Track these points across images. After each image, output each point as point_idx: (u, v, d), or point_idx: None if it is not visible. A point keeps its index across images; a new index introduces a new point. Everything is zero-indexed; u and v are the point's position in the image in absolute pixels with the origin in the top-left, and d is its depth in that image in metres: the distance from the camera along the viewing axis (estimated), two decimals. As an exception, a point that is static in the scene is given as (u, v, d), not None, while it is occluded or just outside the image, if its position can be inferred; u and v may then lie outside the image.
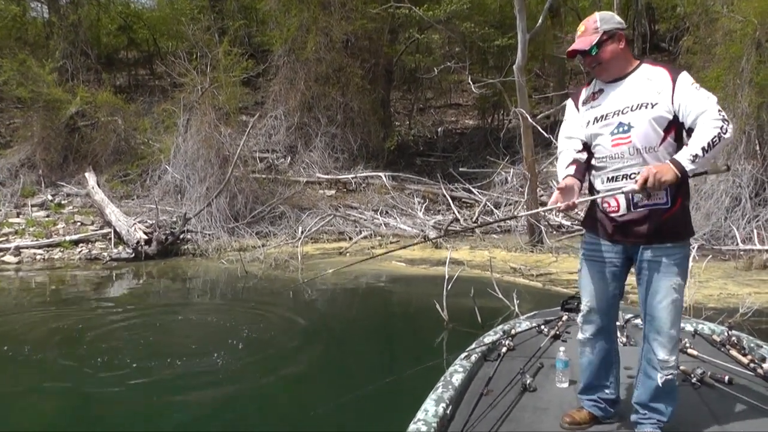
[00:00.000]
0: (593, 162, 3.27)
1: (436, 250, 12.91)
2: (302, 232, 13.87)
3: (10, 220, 14.78)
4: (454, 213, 15.41)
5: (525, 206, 13.42)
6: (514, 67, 12.51)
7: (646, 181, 2.88)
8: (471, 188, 16.48)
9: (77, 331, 8.22)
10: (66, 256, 13.13)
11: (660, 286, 3.10)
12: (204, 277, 11.89)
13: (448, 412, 3.39)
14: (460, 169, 17.52)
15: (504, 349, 4.43)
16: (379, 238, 14.18)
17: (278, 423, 5.30)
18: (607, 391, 3.40)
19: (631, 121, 3.07)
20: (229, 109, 15.70)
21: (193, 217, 14.05)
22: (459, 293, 8.15)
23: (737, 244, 11.27)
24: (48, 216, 15.18)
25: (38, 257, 13.08)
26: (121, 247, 13.28)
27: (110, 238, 13.72)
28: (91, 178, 16.10)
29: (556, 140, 10.99)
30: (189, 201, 14.77)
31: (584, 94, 3.36)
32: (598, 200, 3.24)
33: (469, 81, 15.49)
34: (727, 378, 3.78)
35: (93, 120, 17.55)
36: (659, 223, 3.07)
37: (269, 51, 19.16)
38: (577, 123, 3.34)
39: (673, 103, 3.00)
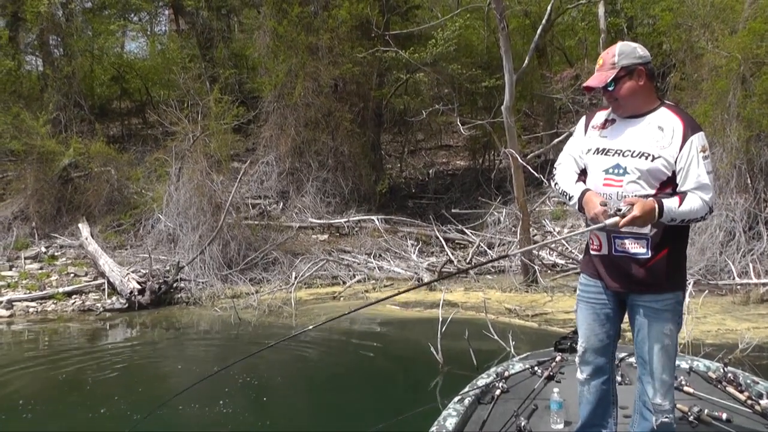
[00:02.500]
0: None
1: (430, 293, 12.86)
2: (296, 278, 13.81)
3: (3, 273, 14.68)
4: (447, 254, 15.38)
5: (518, 245, 13.41)
6: (502, 107, 12.61)
7: (631, 223, 2.84)
8: (464, 229, 16.48)
9: (71, 384, 8.21)
10: (59, 308, 13.03)
11: (651, 332, 3.06)
12: (198, 325, 11.83)
13: None
14: (453, 210, 17.55)
15: (498, 392, 4.40)
16: (373, 281, 14.12)
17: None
18: (603, 430, 3.40)
19: (628, 166, 2.97)
20: (221, 157, 15.75)
21: (186, 265, 14.01)
22: (454, 335, 8.13)
23: (734, 279, 11.25)
24: (41, 268, 15.11)
25: (31, 310, 12.98)
26: (114, 298, 13.20)
27: (104, 289, 13.63)
28: (84, 229, 16.07)
29: (547, 180, 11.08)
30: (182, 249, 14.72)
31: (597, 118, 3.24)
32: (588, 238, 3.24)
33: (458, 122, 15.59)
34: (724, 416, 3.76)
35: (86, 171, 17.59)
36: (638, 273, 3.03)
37: (259, 97, 19.29)
38: (579, 145, 3.26)
39: (676, 163, 2.91)
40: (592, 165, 3.13)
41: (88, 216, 16.89)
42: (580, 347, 3.37)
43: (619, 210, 2.89)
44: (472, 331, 8.23)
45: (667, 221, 2.87)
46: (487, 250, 15.34)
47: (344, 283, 14.05)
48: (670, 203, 2.87)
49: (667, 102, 3.13)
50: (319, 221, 17.29)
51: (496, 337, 8.05)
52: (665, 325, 3.05)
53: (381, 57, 17.52)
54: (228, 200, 14.81)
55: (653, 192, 2.94)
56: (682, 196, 2.92)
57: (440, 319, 8.09)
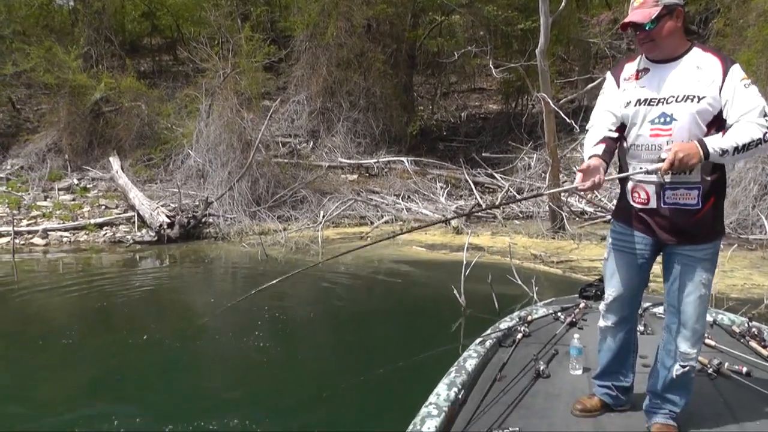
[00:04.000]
0: (625, 145, 3.09)
1: (456, 236, 12.88)
2: (323, 217, 13.90)
3: (38, 203, 15.02)
4: (476, 198, 15.36)
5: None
6: (536, 51, 12.36)
7: (671, 164, 2.72)
8: (493, 173, 16.39)
9: (104, 311, 8.48)
10: (91, 239, 13.30)
11: (689, 280, 3.00)
12: (225, 260, 11.98)
13: (460, 396, 3.39)
14: (483, 154, 17.39)
15: (519, 336, 4.41)
16: (401, 222, 14.17)
17: (293, 399, 5.38)
18: (621, 377, 3.36)
19: (674, 112, 2.86)
20: (251, 94, 15.74)
21: (215, 201, 14.15)
22: (478, 279, 8.12)
23: (765, 233, 11.08)
24: (74, 199, 15.41)
25: (65, 239, 13.28)
26: (144, 231, 13.44)
27: (134, 222, 13.87)
28: (115, 162, 16.28)
29: (578, 126, 10.85)
30: (211, 185, 14.86)
31: (627, 70, 3.11)
32: (628, 190, 3.10)
33: (491, 65, 15.34)
34: (744, 370, 3.74)
35: (117, 105, 17.77)
36: (688, 224, 2.95)
37: (291, 36, 19.15)
38: (615, 100, 3.10)
39: (720, 97, 2.80)
40: (636, 117, 2.99)
41: (118, 150, 17.11)
42: (608, 295, 3.28)
43: (662, 159, 2.80)
44: (496, 275, 8.23)
45: (719, 156, 2.73)
46: (516, 195, 15.25)
47: (372, 223, 14.12)
48: (712, 138, 2.77)
49: (696, 42, 3.02)
50: (348, 161, 17.29)
51: (519, 282, 8.05)
52: (703, 274, 2.99)
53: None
54: (258, 138, 14.84)
55: (703, 135, 2.83)
56: (712, 130, 2.83)
57: (464, 262, 8.09)
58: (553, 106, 12.18)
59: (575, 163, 16.03)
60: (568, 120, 12.00)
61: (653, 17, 2.84)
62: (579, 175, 2.95)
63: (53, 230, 13.55)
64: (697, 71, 2.85)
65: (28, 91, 19.84)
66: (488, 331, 4.44)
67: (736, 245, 10.30)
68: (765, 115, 2.74)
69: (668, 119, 2.88)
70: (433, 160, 17.67)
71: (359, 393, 5.17)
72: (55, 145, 17.21)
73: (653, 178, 2.93)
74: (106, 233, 13.56)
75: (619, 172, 3.15)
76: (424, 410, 3.16)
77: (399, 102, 19.13)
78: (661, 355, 3.20)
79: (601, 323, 3.36)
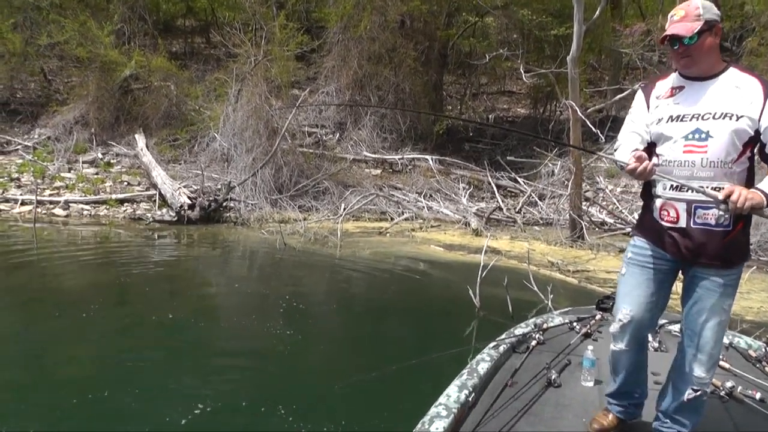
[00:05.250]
0: (655, 161, 2.97)
1: (475, 237, 12.85)
2: (344, 209, 13.93)
3: (62, 175, 15.17)
4: (497, 201, 15.32)
5: (568, 200, 13.26)
6: (567, 58, 12.30)
7: (730, 195, 2.61)
8: (517, 177, 16.35)
9: (119, 286, 8.56)
10: (111, 214, 13.44)
11: (710, 305, 2.91)
12: (243, 245, 12.05)
13: (470, 399, 3.39)
14: (508, 157, 17.36)
15: (533, 343, 4.42)
16: (421, 220, 14.18)
17: (304, 392, 5.37)
18: (636, 395, 3.32)
19: (710, 129, 2.78)
20: (281, 82, 15.79)
21: (238, 186, 14.22)
22: (494, 282, 8.12)
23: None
24: (97, 173, 15.55)
25: (85, 212, 13.43)
26: (164, 210, 13.54)
27: (155, 200, 13.98)
28: (140, 139, 16.40)
29: (604, 136, 10.79)
30: (235, 170, 14.93)
31: (660, 87, 3.03)
32: (656, 207, 2.99)
33: (521, 69, 15.28)
34: (758, 395, 3.69)
35: (146, 84, 17.94)
36: (716, 247, 2.85)
37: (325, 27, 19.18)
38: (643, 120, 3.02)
39: (760, 120, 2.72)
40: (667, 134, 2.90)
41: (144, 128, 17.24)
42: (623, 315, 3.10)
43: (722, 209, 2.70)
44: (512, 280, 8.18)
45: None
46: (538, 201, 15.21)
47: (392, 219, 14.13)
48: (764, 181, 2.67)
49: (733, 62, 2.97)
50: (373, 155, 17.30)
51: (535, 289, 8.01)
52: (725, 300, 2.91)
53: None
54: (285, 126, 14.88)
55: (736, 155, 2.76)
56: (746, 152, 2.78)
57: (482, 264, 8.07)
58: (581, 114, 12.10)
59: (599, 172, 15.95)
60: (594, 129, 11.95)
61: (695, 32, 2.79)
62: (632, 158, 2.85)
63: (75, 202, 13.71)
64: (736, 90, 2.78)
65: (60, 63, 20.03)
66: (503, 336, 4.43)
67: (755, 267, 10.18)
68: None
69: (704, 136, 2.80)
70: (457, 160, 17.63)
71: (370, 389, 5.16)
72: (83, 118, 17.38)
73: (684, 195, 2.86)
74: (126, 209, 13.68)
75: (646, 191, 3.09)
76: (433, 410, 3.17)
77: (428, 100, 19.14)
78: (673, 376, 3.14)
79: (614, 346, 3.22)
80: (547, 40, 19.05)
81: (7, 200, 13.55)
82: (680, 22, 2.84)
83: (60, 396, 5.04)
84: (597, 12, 12.43)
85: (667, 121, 2.91)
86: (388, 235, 13.07)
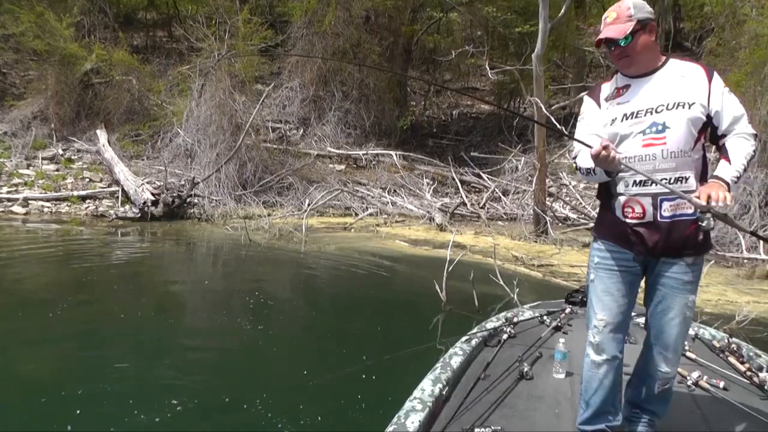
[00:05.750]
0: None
1: (440, 233, 12.93)
2: (309, 205, 13.90)
3: (21, 171, 14.88)
4: (461, 197, 15.42)
5: (532, 195, 13.39)
6: (532, 55, 12.41)
7: (709, 198, 2.58)
8: (481, 173, 16.46)
9: (82, 284, 8.42)
10: (73, 211, 13.24)
11: (674, 303, 2.93)
12: (208, 242, 11.95)
13: (444, 392, 3.42)
14: (472, 153, 17.47)
15: (505, 336, 4.46)
16: (385, 216, 14.21)
17: (276, 389, 5.30)
18: (611, 417, 3.14)
19: (666, 120, 2.80)
20: (245, 77, 15.68)
21: (202, 181, 14.10)
22: (459, 277, 8.15)
23: (742, 252, 11.22)
24: (58, 170, 15.28)
25: (46, 210, 13.20)
26: (127, 206, 13.37)
27: (118, 197, 13.82)
28: (102, 135, 16.17)
29: (568, 132, 10.92)
30: (198, 165, 14.83)
31: (606, 89, 3.04)
32: (618, 206, 2.96)
33: (487, 66, 15.39)
34: (722, 384, 3.80)
35: (107, 78, 17.63)
36: (683, 237, 2.85)
37: (289, 22, 19.09)
38: (598, 120, 3.00)
39: (709, 105, 2.78)
40: (624, 132, 2.90)
41: (106, 123, 16.99)
42: (599, 323, 3.03)
43: (704, 214, 2.64)
44: (477, 274, 8.22)
45: (735, 183, 2.73)
46: (502, 197, 15.34)
47: (356, 214, 14.15)
48: (724, 170, 2.74)
49: (672, 54, 3.10)
50: (337, 151, 17.30)
51: (501, 283, 8.06)
52: (690, 296, 2.93)
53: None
54: (248, 121, 14.79)
55: (693, 143, 2.79)
56: (725, 153, 2.81)
57: (448, 259, 8.12)
58: (545, 111, 12.23)
59: (562, 168, 16.13)
60: (558, 126, 12.07)
61: (627, 33, 2.82)
62: (598, 145, 2.75)
63: (34, 199, 13.47)
64: (682, 79, 2.84)
65: (15, 56, 19.53)
66: (474, 330, 4.48)
67: (713, 261, 10.41)
68: (749, 122, 2.81)
69: (661, 128, 2.82)
70: (421, 156, 17.70)
71: (342, 385, 5.13)
72: (42, 113, 17.07)
73: (649, 189, 2.84)
74: (88, 206, 13.50)
75: (606, 191, 3.05)
76: (408, 404, 3.18)
77: (392, 95, 19.17)
78: (641, 372, 3.15)
79: (595, 357, 3.08)
80: (511, 38, 19.19)
81: (-39, 198, 13.25)
82: (613, 25, 2.87)
83: (24, 397, 4.94)
84: (562, 10, 12.55)
85: (622, 120, 2.92)
86: (352, 230, 13.08)
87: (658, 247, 2.90)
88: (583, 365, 3.16)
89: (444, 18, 20.35)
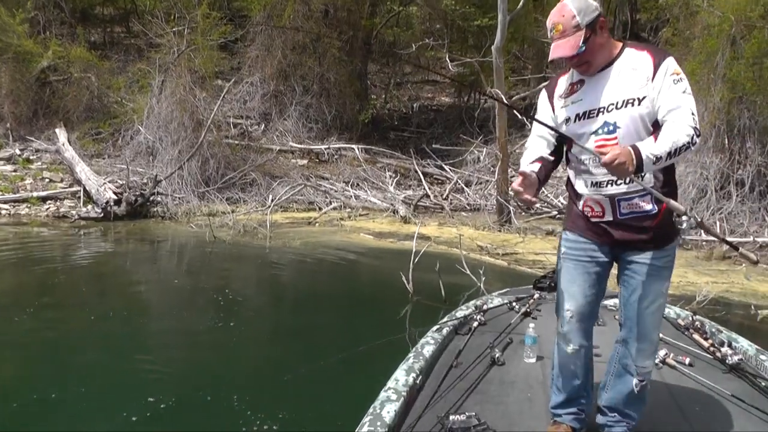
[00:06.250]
0: (573, 164, 2.95)
1: (404, 225, 13.03)
2: (272, 200, 13.90)
3: (-24, 173, 14.60)
4: (424, 189, 15.53)
5: (496, 186, 13.55)
6: (492, 47, 12.56)
7: (610, 164, 2.50)
8: (443, 165, 16.59)
9: (47, 286, 8.35)
10: (33, 213, 13.03)
11: (648, 291, 2.85)
12: (172, 240, 11.89)
13: (418, 381, 3.47)
14: (434, 145, 17.61)
15: (475, 324, 4.52)
16: (349, 209, 14.27)
17: (248, 385, 5.34)
18: (583, 400, 3.15)
19: (617, 120, 2.70)
20: (205, 73, 15.57)
21: (164, 179, 14.00)
22: (425, 268, 8.24)
23: (700, 235, 11.47)
24: (15, 171, 14.99)
25: (4, 212, 12.96)
26: (90, 206, 13.18)
27: (79, 197, 13.63)
28: (61, 134, 15.92)
29: (529, 122, 11.11)
30: (160, 163, 14.69)
31: (561, 85, 2.94)
32: (580, 204, 2.96)
33: (447, 59, 15.51)
34: (687, 360, 3.95)
35: (65, 75, 17.32)
36: (647, 231, 2.80)
37: (248, 16, 18.99)
38: (546, 120, 2.94)
39: (654, 92, 2.64)
40: (578, 131, 2.82)
41: (65, 122, 16.73)
42: (567, 313, 3.00)
43: (679, 218, 2.62)
44: (443, 265, 8.32)
45: (653, 163, 2.55)
46: (465, 188, 15.49)
47: (320, 209, 14.17)
48: (646, 144, 2.58)
49: (628, 42, 2.86)
50: (299, 146, 17.28)
51: (468, 273, 8.18)
52: (664, 283, 2.88)
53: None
54: (210, 117, 14.72)
55: (650, 137, 2.67)
56: (657, 133, 2.65)
57: (413, 251, 8.22)
58: (506, 102, 12.38)
59: (523, 158, 16.29)
60: (519, 116, 12.24)
61: (580, 45, 2.66)
62: (518, 179, 2.83)
63: (-9, 201, 13.22)
64: (633, 73, 2.70)
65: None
66: (445, 319, 4.54)
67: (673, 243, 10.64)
68: (693, 114, 2.60)
69: (612, 128, 2.72)
70: (383, 149, 17.75)
71: (313, 379, 5.17)
72: (-4, 112, 16.75)
73: (605, 191, 2.82)
74: (49, 207, 13.29)
75: (570, 187, 3.05)
76: (383, 395, 3.22)
77: (352, 89, 19.19)
78: (616, 368, 3.07)
79: (565, 347, 3.05)
80: (470, 30, 19.33)
81: None
82: (561, 39, 2.69)
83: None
84: (520, 3, 12.71)
85: (575, 121, 2.84)
86: (317, 225, 13.12)
87: (622, 240, 2.87)
88: (553, 352, 3.19)
89: (403, 11, 20.41)
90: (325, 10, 18.14)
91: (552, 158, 3.02)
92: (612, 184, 2.77)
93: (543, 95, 3.05)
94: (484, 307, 4.91)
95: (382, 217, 13.78)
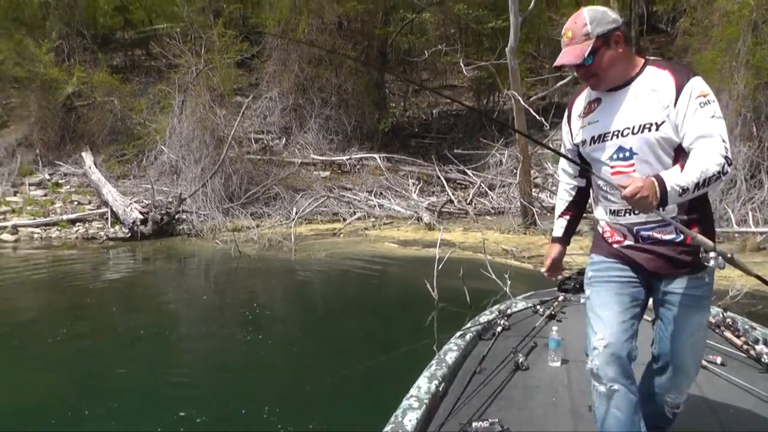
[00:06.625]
0: (593, 187, 2.77)
1: (428, 232, 13.02)
2: (296, 213, 13.97)
3: (8, 199, 14.91)
4: (448, 194, 15.53)
5: (518, 188, 13.52)
6: (506, 49, 12.55)
7: (630, 198, 2.28)
8: (465, 170, 16.56)
9: (79, 306, 8.51)
10: (63, 235, 13.25)
11: (686, 323, 2.57)
12: (199, 256, 12.03)
13: (440, 389, 3.43)
14: (455, 150, 17.58)
15: (499, 329, 4.46)
16: (373, 219, 14.31)
17: (276, 394, 5.41)
18: None
19: (633, 146, 2.47)
20: (224, 91, 15.75)
21: (188, 197, 14.15)
22: (450, 274, 8.24)
23: (732, 226, 11.33)
24: (45, 195, 15.32)
25: (36, 236, 13.20)
26: (117, 227, 13.41)
27: (107, 218, 13.84)
28: (87, 157, 16.19)
29: (548, 123, 11.07)
30: (184, 181, 14.86)
31: (579, 103, 2.73)
32: (601, 228, 2.73)
33: (461, 63, 15.52)
34: (719, 359, 3.81)
35: (89, 100, 17.68)
36: (673, 257, 2.53)
37: (263, 33, 19.14)
38: (570, 149, 2.78)
39: (676, 118, 2.39)
40: (595, 156, 2.62)
41: (91, 145, 17.02)
42: (598, 342, 2.54)
43: (707, 254, 2.39)
44: (468, 270, 8.35)
45: (679, 195, 2.30)
46: (488, 191, 15.47)
47: (344, 219, 14.22)
48: (672, 174, 2.32)
49: (651, 59, 2.61)
50: (321, 158, 17.36)
51: (494, 277, 8.14)
52: (703, 315, 2.60)
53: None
54: (230, 134, 14.86)
55: (671, 165, 2.44)
56: (684, 161, 2.36)
57: (437, 257, 8.22)
58: (523, 103, 12.36)
59: (546, 158, 16.25)
60: (537, 117, 12.21)
61: (586, 55, 2.47)
62: (547, 261, 3.02)
63: (23, 226, 13.47)
64: (653, 94, 2.45)
65: (-3, 85, 19.59)
66: (468, 325, 4.49)
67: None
68: (724, 142, 2.34)
69: (628, 154, 2.50)
70: (405, 156, 17.78)
71: (340, 387, 5.21)
72: (26, 139, 17.14)
73: (622, 220, 2.61)
74: (78, 229, 13.51)
75: (595, 211, 2.82)
76: (405, 403, 3.19)
77: (371, 99, 19.26)
78: (645, 392, 2.74)
79: (600, 388, 2.54)
80: (484, 33, 19.30)
81: (-50, 229, 13.23)
82: (569, 45, 2.53)
83: (32, 421, 5.02)
84: (531, 3, 12.71)
85: (590, 144, 2.63)
86: (341, 235, 13.18)
87: (651, 263, 2.60)
88: (591, 397, 2.66)
89: (416, 18, 20.46)
90: (338, 21, 18.23)
91: (575, 192, 2.90)
92: (629, 213, 2.56)
93: (565, 115, 2.83)
94: (508, 311, 4.85)
95: (407, 225, 13.81)
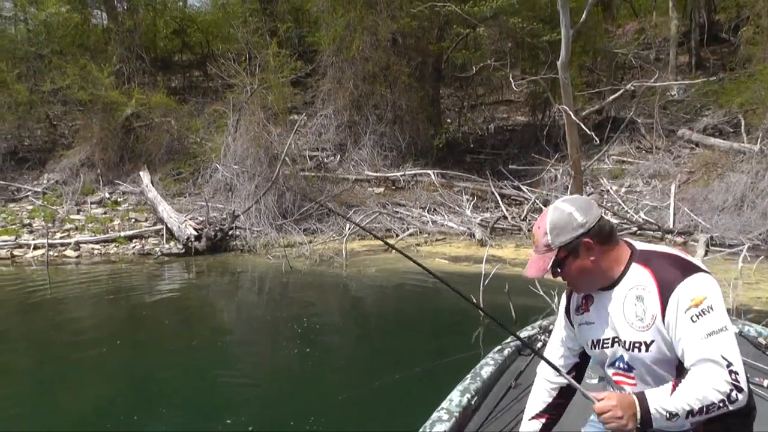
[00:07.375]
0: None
1: (480, 248, 12.88)
2: (349, 229, 14.01)
3: (72, 217, 15.42)
4: (502, 210, 15.37)
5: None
6: (557, 63, 12.40)
7: (599, 415, 2.07)
8: (520, 185, 16.38)
9: (136, 319, 8.91)
10: (121, 251, 13.59)
11: None
12: (251, 271, 12.20)
13: (473, 402, 3.39)
14: (510, 166, 17.40)
15: (539, 345, 4.34)
16: (426, 235, 14.25)
17: (314, 403, 5.57)
18: None
19: (629, 360, 2.20)
20: (278, 109, 15.95)
21: (242, 214, 14.35)
22: (499, 290, 8.19)
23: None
24: (105, 213, 15.77)
25: (95, 252, 13.60)
26: (172, 243, 13.69)
27: (162, 234, 14.14)
28: (145, 176, 16.60)
29: (599, 139, 10.80)
30: (238, 198, 15.09)
31: (575, 298, 2.41)
32: None
33: (511, 78, 15.41)
34: (765, 383, 3.63)
35: (147, 121, 18.16)
36: None
37: (318, 51, 19.38)
38: (566, 342, 2.50)
39: (668, 334, 2.06)
40: (597, 358, 2.39)
41: (148, 164, 17.46)
42: None
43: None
44: (516, 286, 8.27)
45: (667, 420, 1.99)
46: (543, 208, 15.24)
47: (397, 235, 14.20)
48: (656, 393, 2.04)
49: (637, 250, 2.23)
50: (375, 174, 17.41)
51: (542, 293, 8.05)
52: None
53: (440, 11, 17.31)
54: (284, 151, 15.02)
55: (675, 374, 2.12)
56: (681, 380, 2.04)
57: (483, 273, 8.17)
58: (574, 118, 12.17)
59: (601, 174, 15.98)
60: (589, 132, 12.01)
61: (548, 268, 2.16)
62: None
63: (85, 242, 13.89)
64: (638, 304, 2.13)
65: (64, 108, 20.28)
66: (508, 340, 4.40)
67: (763, 257, 10.08)
68: (727, 365, 1.97)
69: (626, 366, 2.23)
70: (459, 172, 17.68)
71: (378, 398, 5.31)
72: (88, 159, 17.66)
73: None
74: (135, 245, 13.84)
75: None
76: (435, 415, 3.17)
77: (425, 114, 19.23)
78: None
79: None
80: (540, 47, 19.12)
81: (20, 246, 13.69)
82: (535, 253, 2.24)
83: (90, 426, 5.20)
84: (583, 15, 12.53)
85: (591, 348, 2.37)
86: (393, 251, 13.15)
87: None
88: None
89: (471, 33, 20.41)
90: (392, 38, 18.29)
91: (557, 394, 2.58)
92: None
93: (562, 307, 2.50)
94: (550, 327, 4.73)
95: (459, 241, 13.72)
